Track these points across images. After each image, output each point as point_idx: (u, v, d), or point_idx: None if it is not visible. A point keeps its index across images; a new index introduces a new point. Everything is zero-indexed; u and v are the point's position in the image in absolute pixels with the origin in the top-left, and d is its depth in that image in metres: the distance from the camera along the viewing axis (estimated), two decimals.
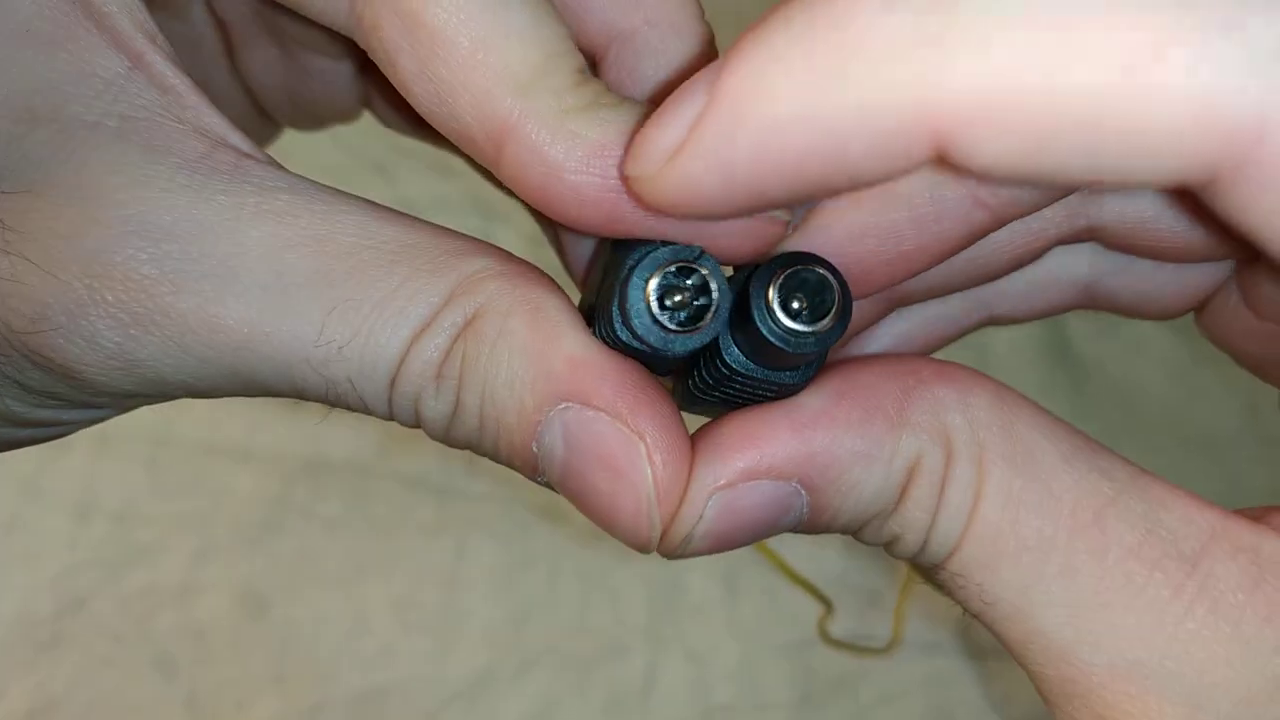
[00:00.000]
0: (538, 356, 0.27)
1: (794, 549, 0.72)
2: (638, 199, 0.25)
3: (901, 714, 0.68)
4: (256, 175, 0.27)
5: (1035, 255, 0.32)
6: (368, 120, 0.44)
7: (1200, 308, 0.35)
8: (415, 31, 0.26)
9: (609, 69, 0.32)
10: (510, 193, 0.28)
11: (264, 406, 0.74)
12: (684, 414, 0.29)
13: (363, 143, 0.81)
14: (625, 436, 0.26)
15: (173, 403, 0.30)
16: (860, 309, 0.31)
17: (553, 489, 0.28)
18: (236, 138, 0.28)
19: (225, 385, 0.28)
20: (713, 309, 0.27)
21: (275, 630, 0.69)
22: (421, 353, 0.27)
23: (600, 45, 0.31)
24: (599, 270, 0.31)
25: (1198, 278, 0.34)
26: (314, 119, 0.43)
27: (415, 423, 0.28)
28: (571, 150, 0.26)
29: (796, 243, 0.28)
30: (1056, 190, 0.29)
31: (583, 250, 0.34)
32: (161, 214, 0.26)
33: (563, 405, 0.27)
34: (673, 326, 0.27)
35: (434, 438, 0.29)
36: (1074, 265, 0.35)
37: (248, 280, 0.26)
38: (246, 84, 0.41)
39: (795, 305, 0.26)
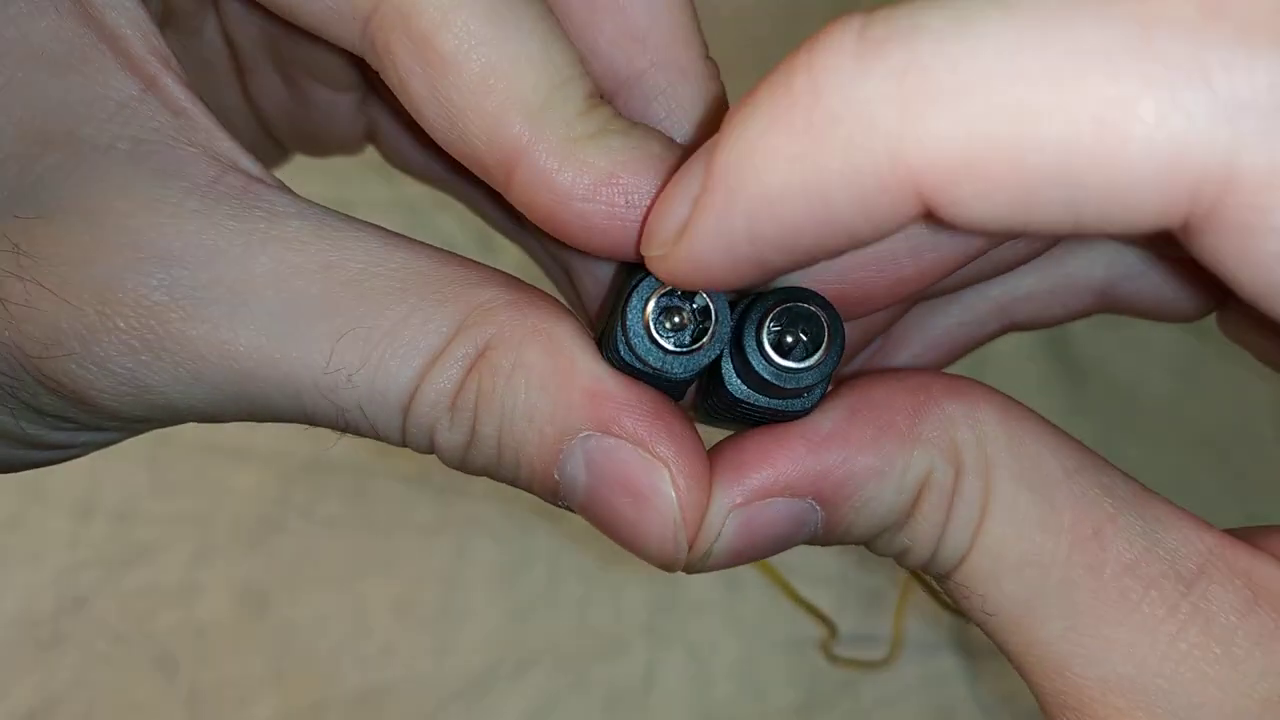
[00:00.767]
0: (555, 388, 0.27)
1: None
2: (660, 276, 0.26)
3: (902, 714, 0.69)
4: (266, 200, 0.27)
5: (1048, 245, 0.33)
6: None
7: (1220, 308, 0.35)
8: (427, 56, 0.26)
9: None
10: (520, 216, 0.28)
11: None
12: (703, 426, 0.29)
13: None
14: (648, 463, 0.27)
15: None
16: (874, 315, 0.32)
17: (573, 511, 0.29)
18: (247, 161, 0.28)
19: (235, 410, 0.28)
20: (711, 330, 0.27)
21: (275, 629, 0.69)
22: (434, 383, 0.27)
23: (608, 90, 0.31)
24: (610, 293, 0.31)
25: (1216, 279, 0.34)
26: (317, 147, 0.43)
27: (430, 450, 0.29)
28: (579, 178, 0.26)
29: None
30: (1045, 239, 0.29)
31: (602, 273, 0.34)
32: (172, 239, 0.26)
33: (584, 434, 0.27)
34: (671, 348, 0.27)
35: (449, 465, 0.29)
36: (1092, 269, 0.35)
37: (257, 307, 0.26)
38: (255, 107, 0.41)
39: (789, 340, 0.27)
